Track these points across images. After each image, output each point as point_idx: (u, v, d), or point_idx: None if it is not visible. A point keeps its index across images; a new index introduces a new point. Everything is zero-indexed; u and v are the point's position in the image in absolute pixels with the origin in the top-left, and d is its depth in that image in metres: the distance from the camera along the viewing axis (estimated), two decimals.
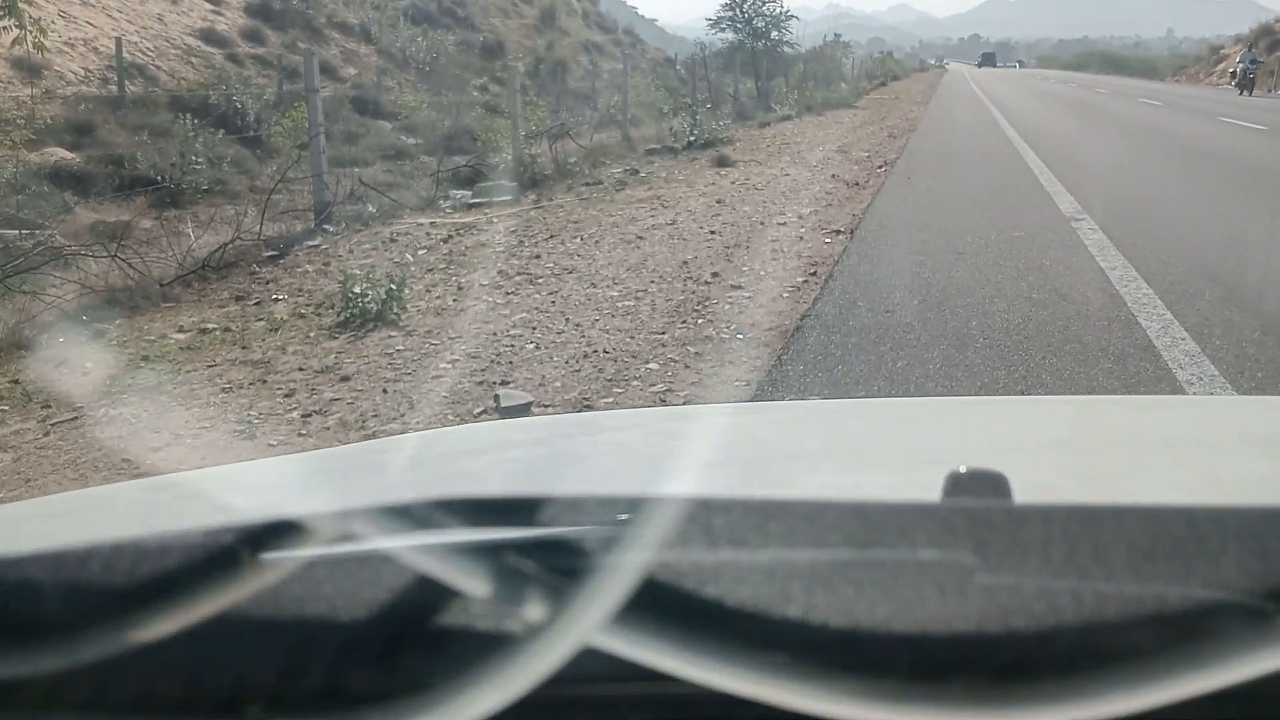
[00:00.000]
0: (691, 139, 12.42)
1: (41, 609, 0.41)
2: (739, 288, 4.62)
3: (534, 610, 0.39)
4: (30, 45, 13.51)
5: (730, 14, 26.38)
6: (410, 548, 0.42)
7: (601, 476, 0.89)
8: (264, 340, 4.30)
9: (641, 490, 0.67)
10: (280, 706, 0.39)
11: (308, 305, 4.92)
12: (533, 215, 7.38)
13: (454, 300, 4.66)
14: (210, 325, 4.80)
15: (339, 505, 0.48)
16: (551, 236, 6.29)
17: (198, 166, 12.09)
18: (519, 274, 5.15)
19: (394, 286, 4.28)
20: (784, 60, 27.16)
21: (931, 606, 0.38)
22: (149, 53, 19.79)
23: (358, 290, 4.18)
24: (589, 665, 0.37)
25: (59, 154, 14.17)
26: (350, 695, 0.39)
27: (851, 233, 5.88)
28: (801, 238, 5.80)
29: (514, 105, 11.45)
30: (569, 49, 32.79)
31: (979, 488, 0.54)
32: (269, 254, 6.61)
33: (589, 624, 0.37)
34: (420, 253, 6.08)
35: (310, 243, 6.83)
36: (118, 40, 16.79)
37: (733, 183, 8.67)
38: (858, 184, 8.22)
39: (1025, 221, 6.15)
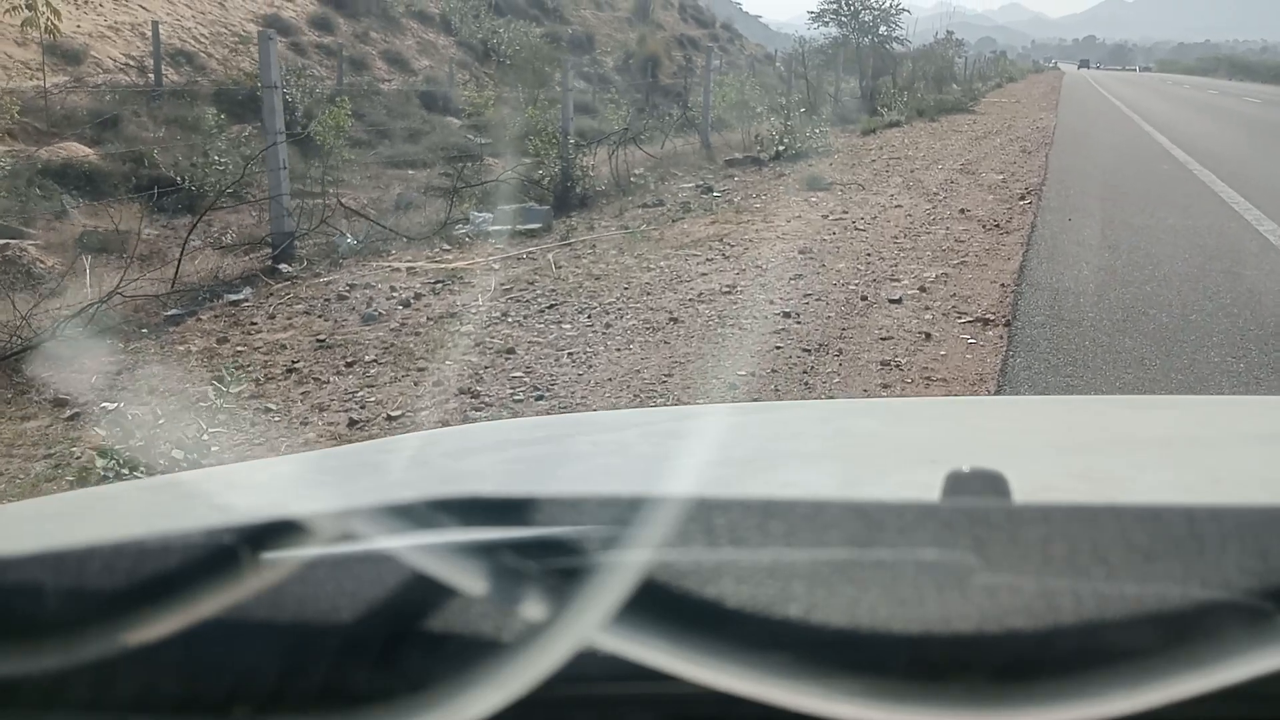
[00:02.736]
0: (780, 149, 10.33)
1: (41, 609, 0.41)
2: None
3: (534, 610, 0.38)
4: (43, 28, 11.85)
5: (834, 6, 24.03)
6: (410, 547, 0.41)
7: (601, 476, 0.87)
8: None
9: (641, 490, 0.57)
10: (280, 706, 0.39)
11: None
12: (549, 259, 5.39)
13: None
14: None
15: (339, 505, 0.47)
16: (552, 305, 4.29)
17: (220, 167, 10.42)
18: (460, 393, 3.15)
19: (186, 453, 2.32)
20: (891, 58, 24.77)
21: (931, 606, 0.37)
22: (202, 39, 18.56)
23: (101, 465, 2.24)
24: (589, 665, 0.37)
25: (73, 149, 12.70)
26: (350, 695, 0.39)
27: (1008, 325, 3.73)
28: (928, 334, 3.68)
29: (565, 106, 9.49)
30: (661, 44, 31.21)
31: (979, 487, 0.54)
32: (170, 314, 4.75)
33: (589, 624, 0.37)
34: (357, 328, 4.13)
35: (234, 296, 4.95)
36: (154, 24, 15.38)
37: (825, 216, 6.55)
38: (997, 225, 6.03)
39: None
